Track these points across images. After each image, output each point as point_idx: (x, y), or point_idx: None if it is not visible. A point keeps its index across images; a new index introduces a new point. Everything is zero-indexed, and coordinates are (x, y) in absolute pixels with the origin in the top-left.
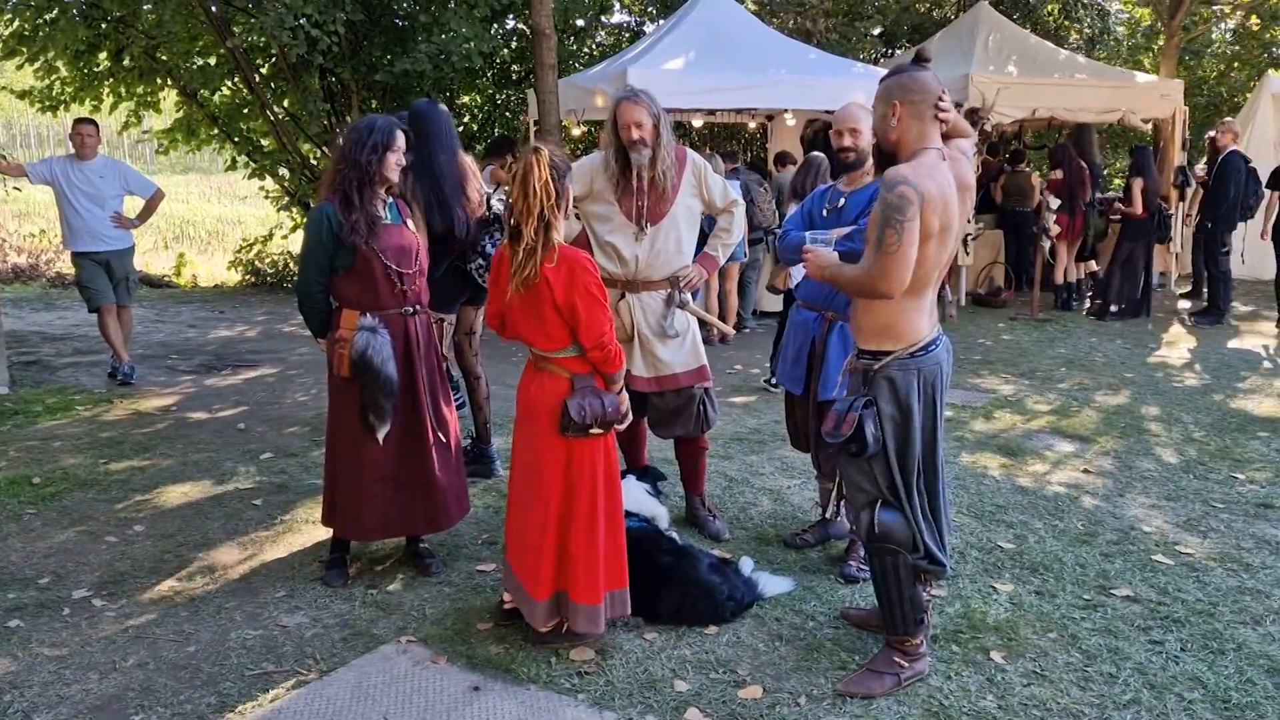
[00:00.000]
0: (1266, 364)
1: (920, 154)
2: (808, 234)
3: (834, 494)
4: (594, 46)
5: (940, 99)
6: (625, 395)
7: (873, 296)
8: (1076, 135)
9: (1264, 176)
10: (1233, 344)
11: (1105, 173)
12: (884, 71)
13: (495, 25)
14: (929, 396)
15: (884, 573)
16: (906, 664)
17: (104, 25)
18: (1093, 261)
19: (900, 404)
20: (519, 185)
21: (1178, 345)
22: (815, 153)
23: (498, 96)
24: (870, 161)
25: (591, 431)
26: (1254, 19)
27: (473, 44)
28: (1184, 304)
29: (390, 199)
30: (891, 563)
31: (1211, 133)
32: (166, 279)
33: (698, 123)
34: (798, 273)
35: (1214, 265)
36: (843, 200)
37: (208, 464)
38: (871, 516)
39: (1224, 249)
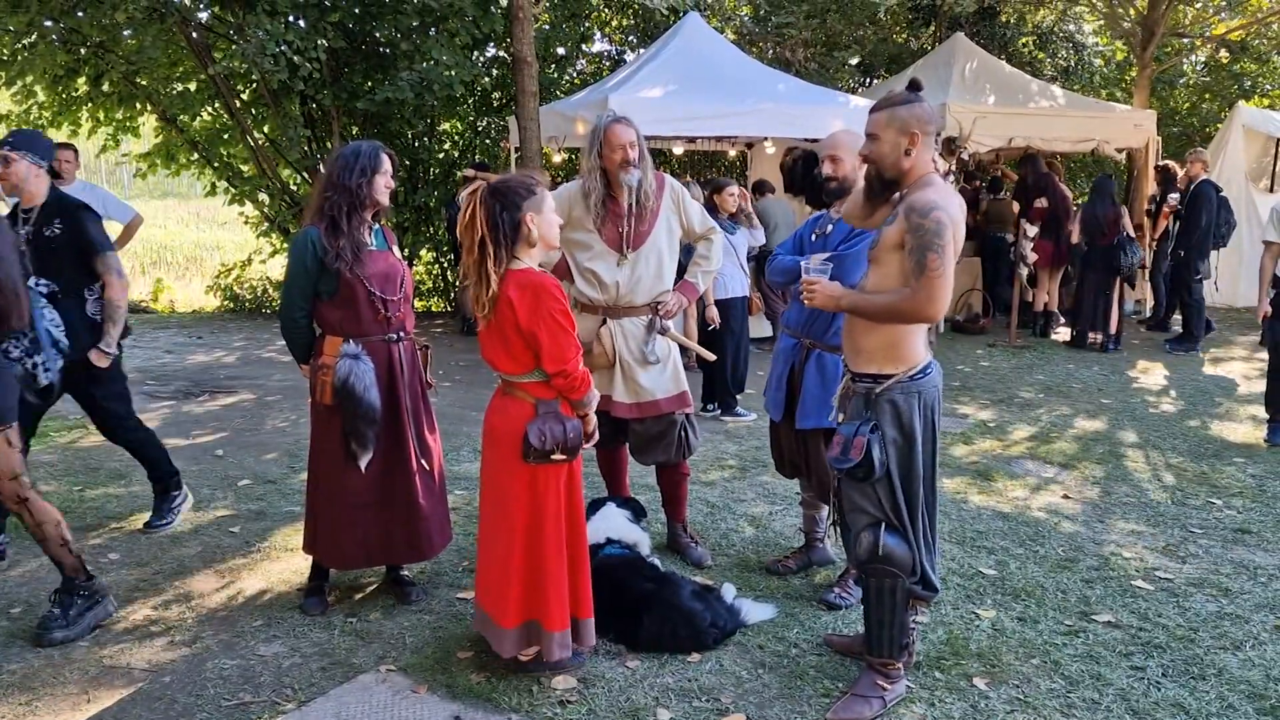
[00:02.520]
0: (1241, 390)
1: (929, 179)
2: (803, 263)
3: (828, 519)
4: (575, 74)
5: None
6: (593, 419)
7: (914, 321)
8: (1024, 164)
9: (1235, 205)
10: (1207, 370)
11: (1079, 203)
12: (862, 100)
13: (476, 53)
14: (929, 419)
15: (879, 595)
16: (889, 686)
17: (83, 50)
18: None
19: (904, 428)
20: (458, 225)
21: (1153, 372)
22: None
23: (478, 123)
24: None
25: (554, 457)
26: (1223, 52)
27: (454, 72)
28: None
29: (376, 225)
30: (890, 585)
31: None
32: (144, 305)
33: (678, 150)
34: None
35: (1187, 293)
36: (830, 226)
37: None
38: (875, 539)
39: (1197, 277)
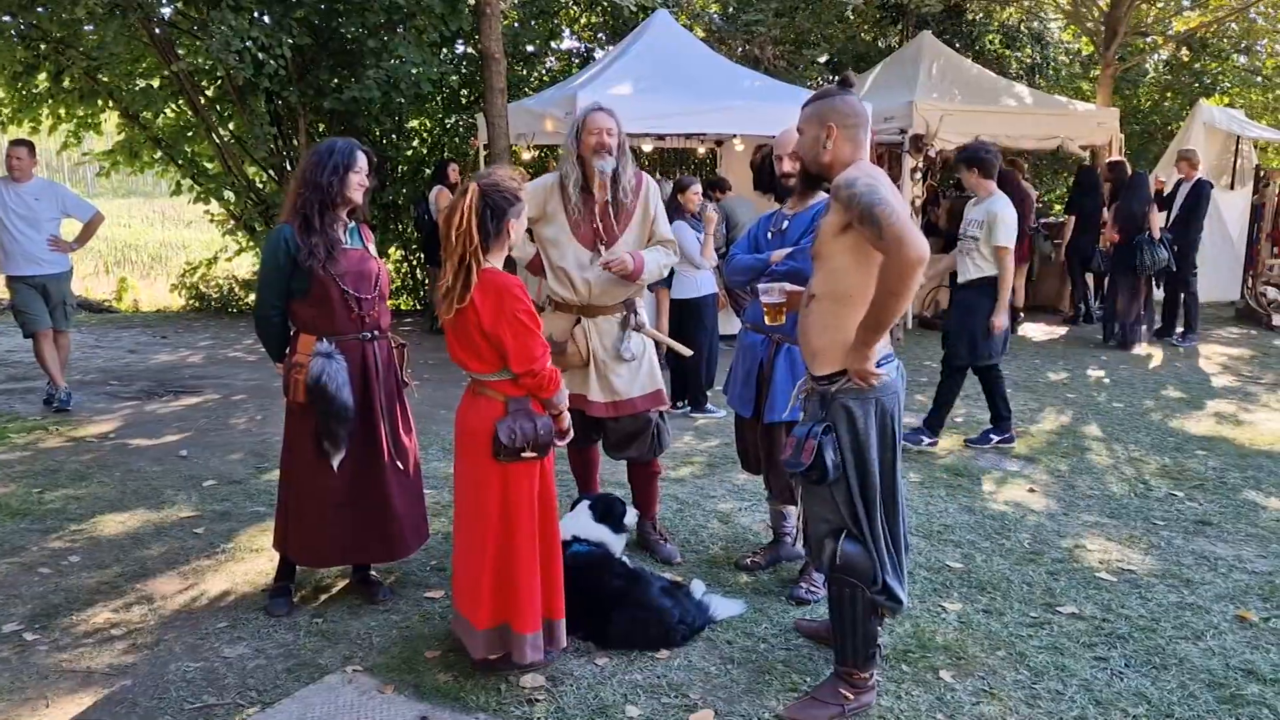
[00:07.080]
0: (1203, 384)
1: (854, 165)
2: (760, 288)
3: (798, 519)
4: (544, 72)
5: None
6: (566, 416)
7: (910, 277)
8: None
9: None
10: (1173, 365)
11: (1045, 199)
12: None
13: (444, 50)
14: (886, 427)
15: (840, 603)
16: (852, 696)
17: (43, 46)
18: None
19: (858, 433)
20: (443, 223)
21: (1119, 368)
22: None
23: (446, 121)
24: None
25: (524, 455)
26: (1185, 50)
27: (420, 70)
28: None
29: (352, 222)
30: (849, 595)
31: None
32: (107, 304)
33: (647, 147)
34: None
35: (1185, 287)
36: (786, 223)
37: (148, 492)
38: (835, 547)
39: (1194, 271)
